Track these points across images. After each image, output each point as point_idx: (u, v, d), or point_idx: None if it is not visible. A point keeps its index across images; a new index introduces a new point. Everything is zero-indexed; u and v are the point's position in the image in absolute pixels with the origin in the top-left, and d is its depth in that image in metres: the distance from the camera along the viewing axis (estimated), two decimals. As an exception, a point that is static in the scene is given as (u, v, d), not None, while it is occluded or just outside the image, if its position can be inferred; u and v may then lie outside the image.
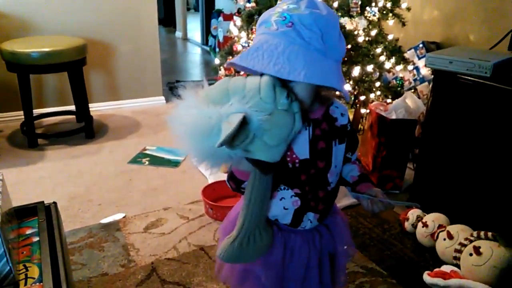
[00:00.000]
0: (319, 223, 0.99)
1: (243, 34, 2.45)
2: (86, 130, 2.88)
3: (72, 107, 3.09)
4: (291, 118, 0.78)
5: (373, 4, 2.22)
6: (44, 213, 1.12)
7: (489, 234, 1.61)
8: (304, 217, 0.95)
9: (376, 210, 0.95)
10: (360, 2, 2.18)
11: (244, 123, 0.73)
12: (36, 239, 1.03)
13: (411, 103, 2.19)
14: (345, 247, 1.06)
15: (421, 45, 2.53)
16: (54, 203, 1.18)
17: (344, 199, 2.02)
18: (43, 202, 1.16)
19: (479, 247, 1.56)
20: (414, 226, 1.89)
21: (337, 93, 0.93)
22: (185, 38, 6.88)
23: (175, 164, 2.54)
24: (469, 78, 1.75)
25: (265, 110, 0.75)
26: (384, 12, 2.26)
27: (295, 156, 0.90)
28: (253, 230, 0.87)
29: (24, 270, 0.93)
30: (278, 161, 0.80)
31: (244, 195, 0.86)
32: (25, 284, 0.89)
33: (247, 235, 0.87)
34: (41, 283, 0.89)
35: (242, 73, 1.89)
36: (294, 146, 0.89)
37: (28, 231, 1.06)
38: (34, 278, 0.90)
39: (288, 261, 0.97)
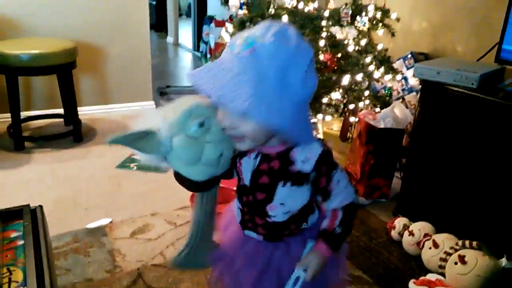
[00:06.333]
0: (270, 241, 0.96)
1: (235, 40, 2.46)
2: (74, 133, 2.85)
3: (61, 110, 3.06)
4: (198, 146, 0.82)
5: (363, 14, 2.25)
6: (30, 217, 1.10)
7: (474, 243, 1.63)
8: (245, 231, 0.99)
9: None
10: (350, 12, 2.20)
11: (148, 134, 0.85)
12: (21, 242, 1.02)
13: (399, 113, 2.22)
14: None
15: (409, 56, 2.57)
16: (40, 206, 1.16)
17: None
18: (28, 205, 1.15)
19: (464, 256, 1.58)
20: (401, 234, 1.90)
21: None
22: (177, 44, 6.88)
23: (163, 169, 2.52)
24: (456, 89, 1.78)
25: (171, 131, 0.82)
26: (374, 22, 2.29)
27: (242, 177, 0.93)
28: (200, 244, 0.97)
29: (8, 273, 0.92)
30: (201, 181, 0.86)
31: (193, 211, 0.95)
32: (9, 288, 0.88)
33: (194, 248, 0.97)
34: (25, 287, 0.87)
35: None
36: (243, 169, 0.92)
37: (13, 235, 1.05)
38: (17, 282, 0.89)
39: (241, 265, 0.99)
